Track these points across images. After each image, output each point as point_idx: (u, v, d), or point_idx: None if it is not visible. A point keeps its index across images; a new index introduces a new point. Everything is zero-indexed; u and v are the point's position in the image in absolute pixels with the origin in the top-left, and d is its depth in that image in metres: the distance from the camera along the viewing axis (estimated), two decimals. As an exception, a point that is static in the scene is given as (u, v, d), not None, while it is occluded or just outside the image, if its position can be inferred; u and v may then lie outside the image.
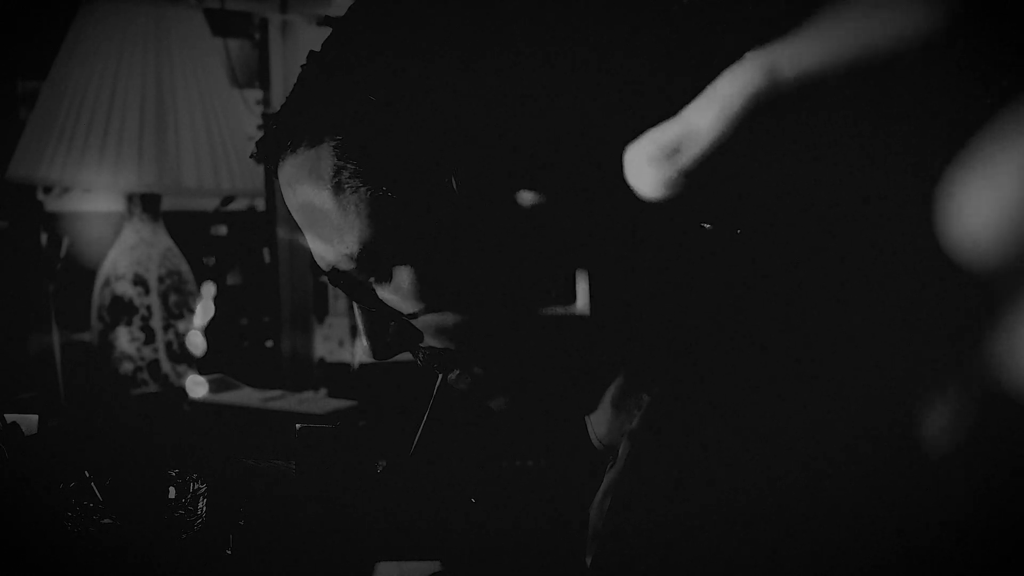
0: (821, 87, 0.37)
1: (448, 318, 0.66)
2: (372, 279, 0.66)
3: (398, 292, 0.66)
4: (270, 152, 0.68)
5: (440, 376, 0.71)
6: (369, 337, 0.70)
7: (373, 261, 0.65)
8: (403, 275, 0.65)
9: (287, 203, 0.69)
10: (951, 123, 0.37)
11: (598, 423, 0.66)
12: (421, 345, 0.68)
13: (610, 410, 0.64)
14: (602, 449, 0.66)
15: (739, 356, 0.58)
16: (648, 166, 0.40)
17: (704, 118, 0.39)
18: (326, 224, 0.66)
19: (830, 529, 0.51)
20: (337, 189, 0.65)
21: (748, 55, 0.38)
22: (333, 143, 0.64)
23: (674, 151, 0.40)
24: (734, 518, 0.53)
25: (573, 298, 0.63)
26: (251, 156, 0.70)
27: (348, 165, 0.64)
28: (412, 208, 0.63)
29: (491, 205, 0.62)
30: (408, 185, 0.63)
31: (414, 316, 0.66)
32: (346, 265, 0.66)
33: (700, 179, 0.39)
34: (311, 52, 0.68)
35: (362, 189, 0.64)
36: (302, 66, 0.68)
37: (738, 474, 0.54)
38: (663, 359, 0.61)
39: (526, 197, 0.62)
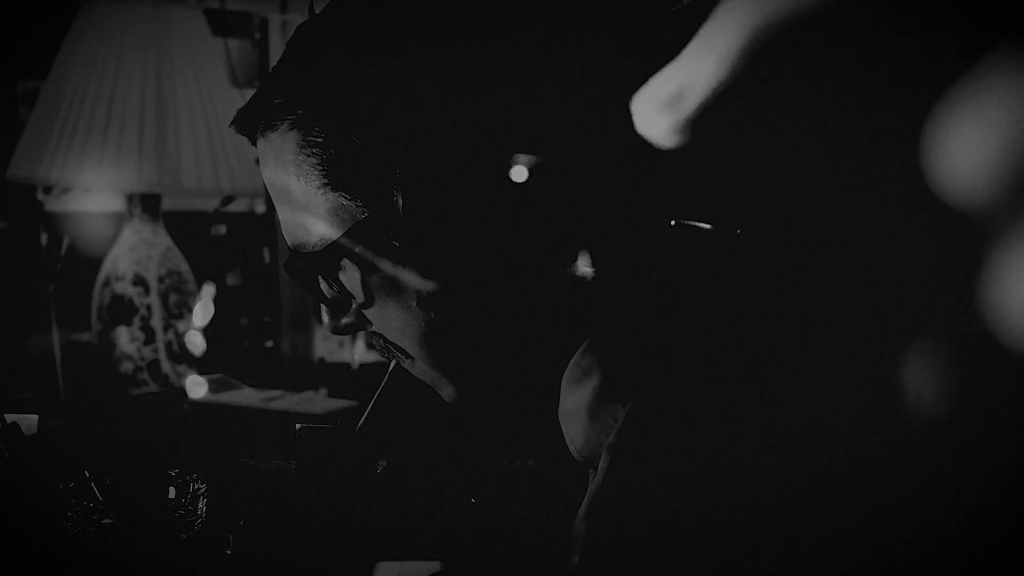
0: (814, 24, 0.36)
1: (389, 313, 0.67)
2: (323, 269, 0.68)
3: (348, 283, 0.68)
4: (247, 126, 0.70)
5: (393, 361, 0.73)
6: (328, 315, 0.72)
7: (327, 255, 0.66)
8: (352, 271, 0.67)
9: (262, 175, 0.71)
10: (937, 91, 0.37)
11: (575, 434, 0.65)
12: (372, 330, 0.70)
13: (586, 420, 0.63)
14: (581, 461, 0.65)
15: (716, 361, 0.57)
16: (655, 113, 0.40)
17: (704, 64, 0.38)
18: (289, 209, 0.68)
19: (816, 534, 0.51)
20: (298, 180, 0.66)
21: None
22: (297, 136, 0.65)
23: (678, 98, 0.40)
24: (717, 528, 0.53)
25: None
26: (231, 124, 0.71)
27: (309, 160, 0.65)
28: (366, 215, 0.64)
29: (442, 221, 0.63)
30: (363, 193, 0.64)
31: (363, 305, 0.68)
32: (303, 249, 0.68)
33: (705, 123, 0.39)
34: (296, 29, 0.68)
35: (320, 187, 0.65)
36: (288, 41, 0.68)
37: (719, 484, 0.53)
38: (637, 369, 0.61)
39: (489, 212, 0.62)
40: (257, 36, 2.16)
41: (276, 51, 2.17)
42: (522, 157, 0.61)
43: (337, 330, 0.71)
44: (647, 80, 0.58)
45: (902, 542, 0.50)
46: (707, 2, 0.62)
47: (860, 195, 0.48)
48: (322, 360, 2.14)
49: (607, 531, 0.57)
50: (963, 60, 0.36)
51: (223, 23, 2.05)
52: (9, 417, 0.85)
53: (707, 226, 0.62)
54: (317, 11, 0.68)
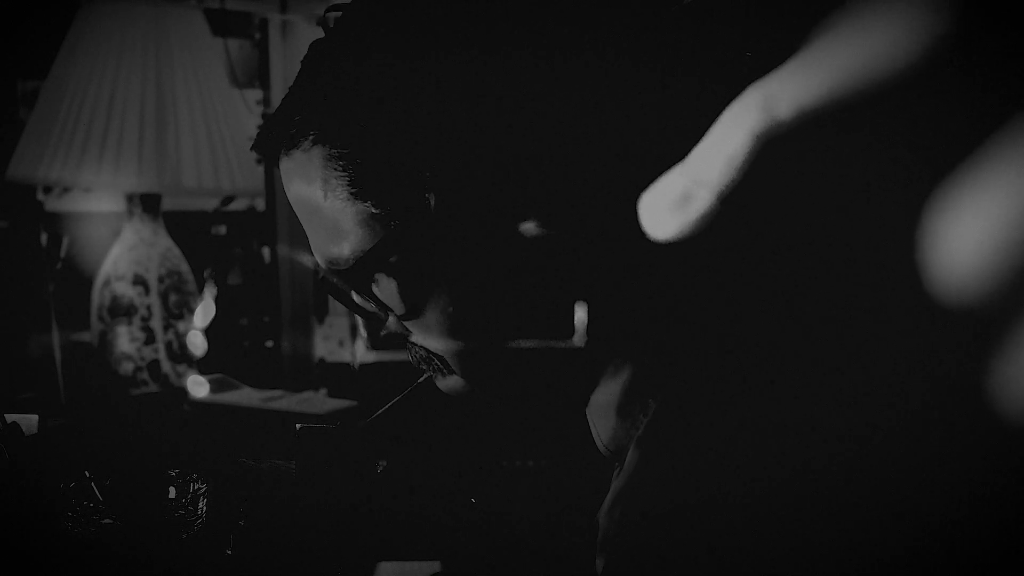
0: (820, 119, 0.37)
1: (431, 324, 0.66)
2: (360, 283, 0.67)
3: (385, 294, 0.67)
4: (268, 148, 0.69)
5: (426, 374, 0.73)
6: (367, 328, 0.71)
7: (361, 268, 0.66)
8: (390, 282, 0.66)
9: (287, 195, 0.70)
10: (948, 136, 0.38)
11: (603, 429, 0.65)
12: (411, 341, 0.69)
13: (614, 416, 0.64)
14: (608, 455, 0.66)
15: (744, 357, 0.58)
16: (664, 215, 0.41)
17: (711, 167, 0.40)
18: (318, 225, 0.67)
19: (846, 529, 0.51)
20: (326, 195, 0.65)
21: (746, 93, 0.38)
22: (322, 150, 0.64)
23: (685, 201, 0.41)
24: (748, 521, 0.53)
25: (571, 330, 0.63)
26: (252, 148, 0.71)
27: (336, 173, 0.64)
28: (397, 223, 0.63)
29: (476, 219, 0.62)
30: (392, 200, 0.63)
31: (402, 317, 0.67)
32: (337, 266, 0.67)
33: (714, 220, 0.40)
34: (309, 47, 0.68)
35: (349, 199, 0.64)
36: (302, 60, 0.68)
37: (750, 477, 0.53)
38: (667, 363, 0.61)
39: (516, 208, 0.61)
40: (257, 36, 2.16)
41: (276, 51, 2.17)
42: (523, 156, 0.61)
43: (377, 343, 0.71)
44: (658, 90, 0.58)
45: (942, 541, 0.50)
46: (707, 2, 0.62)
47: (869, 198, 0.49)
48: (322, 360, 2.14)
49: (634, 523, 0.57)
50: (975, 132, 0.37)
51: (223, 23, 2.05)
52: (9, 417, 0.85)
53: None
54: (329, 23, 0.68)
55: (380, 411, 0.80)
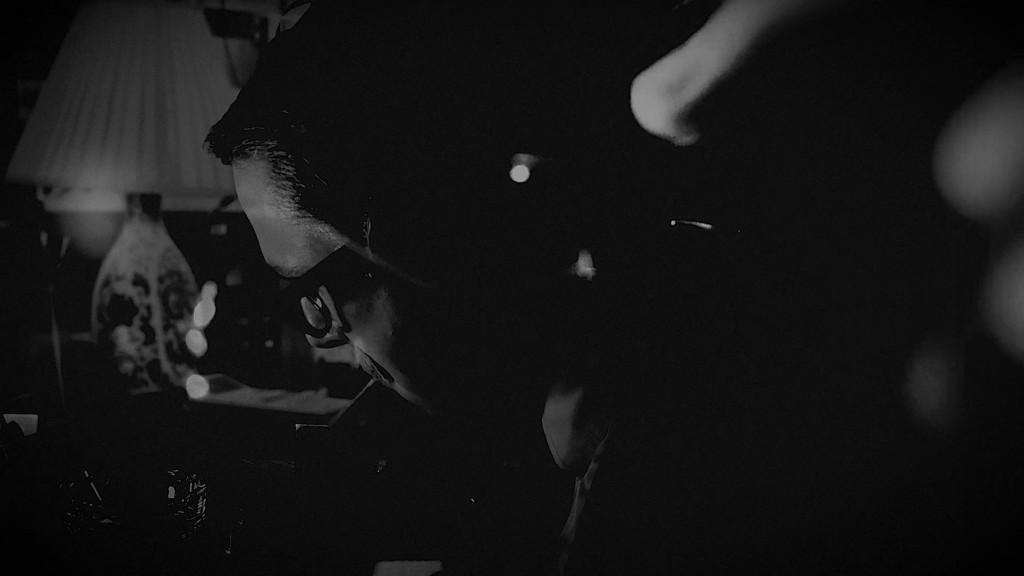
0: (830, 20, 0.36)
1: (370, 339, 0.67)
2: (304, 292, 0.67)
3: (327, 304, 0.67)
4: (220, 150, 0.69)
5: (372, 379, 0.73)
6: (307, 333, 0.71)
7: (303, 281, 0.66)
8: (327, 297, 0.66)
9: (237, 192, 0.70)
10: (948, 103, 0.37)
11: (560, 444, 0.64)
12: (359, 348, 0.70)
13: (571, 430, 0.63)
14: (566, 470, 0.65)
15: (704, 370, 0.57)
16: (657, 98, 0.39)
17: (711, 52, 0.38)
18: (266, 233, 0.67)
19: (809, 541, 0.51)
20: (272, 207, 0.65)
21: None
22: (270, 166, 0.64)
23: (682, 84, 0.39)
24: (708, 536, 0.52)
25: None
26: (204, 142, 0.70)
27: (281, 191, 0.64)
28: (339, 245, 0.63)
29: (418, 245, 0.61)
30: (335, 223, 0.63)
31: (342, 329, 0.68)
32: (281, 273, 0.67)
33: (707, 115, 0.38)
34: (267, 46, 0.68)
35: (292, 217, 0.64)
36: (257, 59, 0.68)
37: (708, 493, 0.53)
38: (623, 377, 0.60)
39: (465, 227, 0.60)
40: (257, 36, 2.16)
41: (276, 51, 2.16)
42: (523, 157, 0.61)
43: (320, 345, 0.70)
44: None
45: (898, 548, 0.50)
46: (708, 2, 0.62)
47: (864, 197, 0.48)
48: (322, 360, 2.14)
49: (598, 541, 0.57)
50: (982, 66, 0.36)
51: (223, 23, 2.05)
52: (9, 417, 0.85)
53: (707, 226, 0.62)
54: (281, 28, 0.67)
55: (338, 416, 0.81)
